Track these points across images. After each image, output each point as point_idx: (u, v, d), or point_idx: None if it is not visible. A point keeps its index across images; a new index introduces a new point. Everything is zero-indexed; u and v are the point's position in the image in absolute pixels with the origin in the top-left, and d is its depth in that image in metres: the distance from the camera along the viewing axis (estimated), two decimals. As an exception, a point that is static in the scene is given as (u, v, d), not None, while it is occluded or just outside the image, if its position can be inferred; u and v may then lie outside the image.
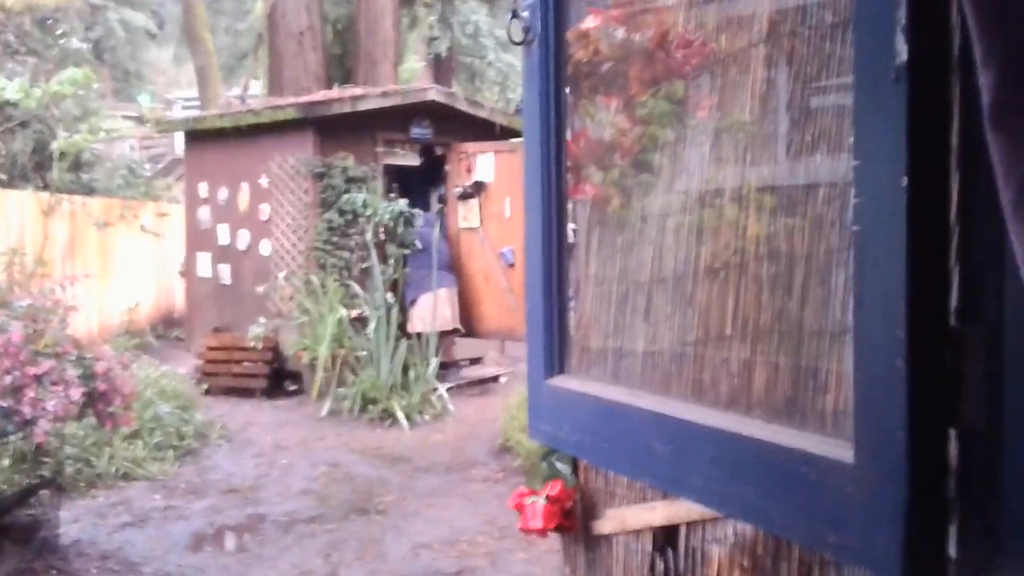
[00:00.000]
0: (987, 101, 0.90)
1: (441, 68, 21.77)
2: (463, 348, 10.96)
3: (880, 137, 1.17)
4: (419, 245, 10.26)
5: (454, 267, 10.79)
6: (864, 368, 1.23)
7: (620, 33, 2.63)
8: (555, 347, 2.04)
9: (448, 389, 9.50)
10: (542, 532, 2.81)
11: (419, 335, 9.82)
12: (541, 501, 2.78)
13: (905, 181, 1.13)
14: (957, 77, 1.15)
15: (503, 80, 23.25)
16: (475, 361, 11.33)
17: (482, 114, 11.12)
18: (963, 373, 1.17)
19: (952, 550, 1.20)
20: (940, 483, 1.19)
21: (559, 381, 2.03)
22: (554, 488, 2.79)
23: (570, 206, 2.72)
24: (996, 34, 0.89)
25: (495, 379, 10.84)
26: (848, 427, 1.28)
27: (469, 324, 10.80)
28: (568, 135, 2.31)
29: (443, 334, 10.20)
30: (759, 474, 1.40)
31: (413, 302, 10.22)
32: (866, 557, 1.22)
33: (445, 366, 10.18)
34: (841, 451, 1.27)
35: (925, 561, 1.17)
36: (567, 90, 2.22)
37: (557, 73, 2.03)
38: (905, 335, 1.14)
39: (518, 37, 2.02)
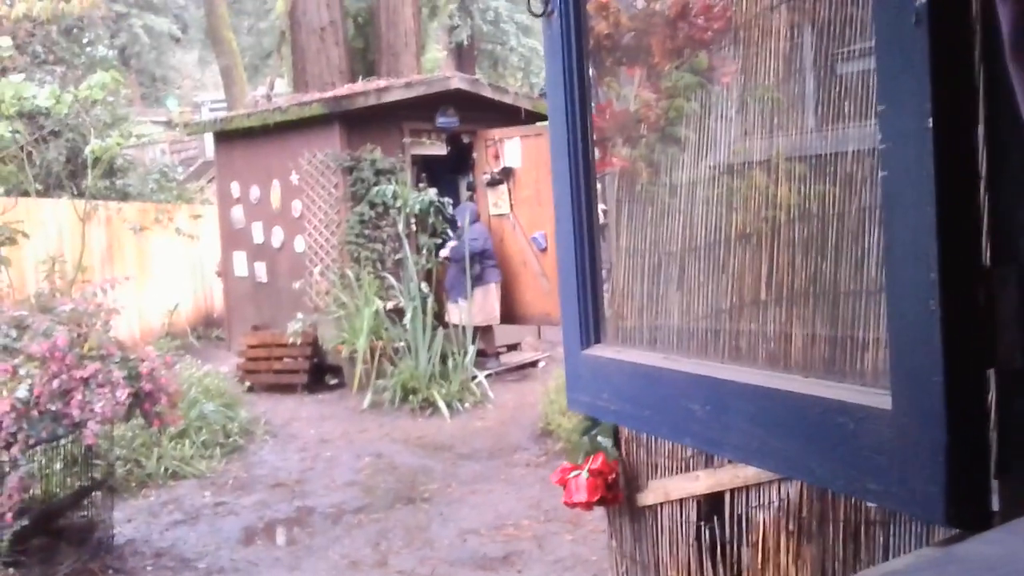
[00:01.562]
0: (1007, 33, 0.90)
1: (463, 56, 21.79)
2: (500, 335, 10.98)
3: (904, 80, 1.17)
4: (466, 242, 10.09)
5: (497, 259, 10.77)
6: (898, 313, 1.23)
7: (640, 2, 2.63)
8: (590, 317, 2.05)
9: (487, 376, 9.53)
10: (587, 505, 2.84)
11: (456, 324, 9.85)
12: (584, 474, 2.80)
13: (930, 123, 1.13)
14: (978, 15, 1.14)
15: (526, 65, 23.24)
16: (512, 347, 11.35)
17: (507, 99, 11.10)
18: (997, 312, 1.17)
19: (995, 492, 1.20)
20: (979, 423, 1.18)
21: (595, 350, 2.04)
22: (596, 461, 2.81)
23: (598, 184, 2.73)
24: (1013, -34, 0.88)
25: (533, 364, 10.86)
26: (885, 375, 1.28)
27: (505, 310, 10.82)
28: (593, 108, 2.32)
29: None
30: (798, 427, 1.41)
31: (460, 299, 10.15)
32: (908, 502, 1.23)
33: (483, 353, 10.21)
34: (879, 399, 1.27)
35: (967, 503, 1.17)
36: (590, 62, 2.22)
37: (579, 44, 2.04)
38: (937, 277, 1.14)
39: (538, 9, 2.03)
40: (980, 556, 0.98)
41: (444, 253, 10.25)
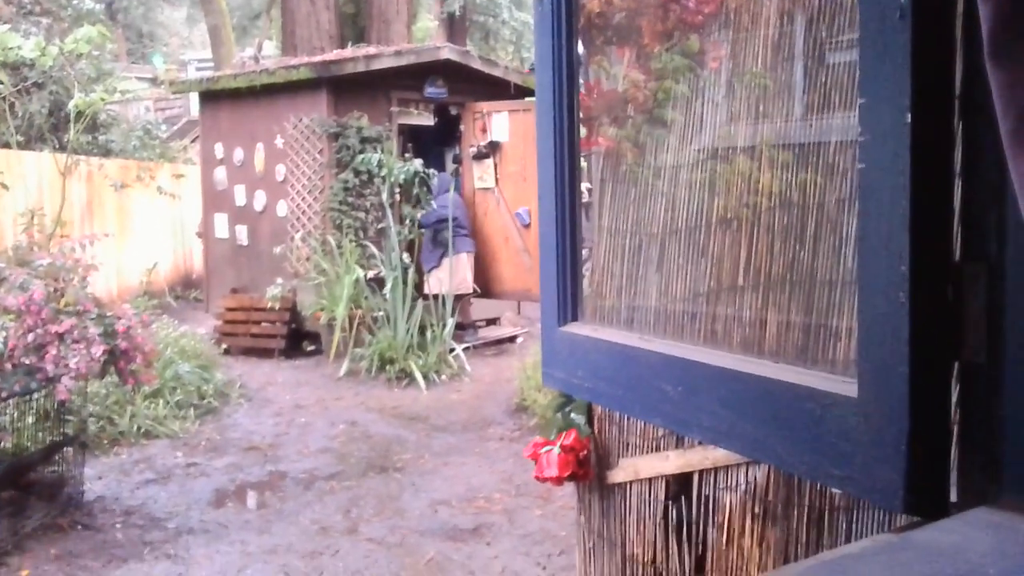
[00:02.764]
0: (986, 32, 0.92)
1: (455, 27, 21.65)
2: (479, 309, 11.00)
3: (885, 75, 1.18)
4: (436, 209, 10.20)
5: (471, 230, 10.79)
6: (868, 303, 1.25)
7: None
8: (568, 294, 2.07)
9: (465, 349, 9.55)
10: (557, 480, 2.86)
11: (435, 296, 9.86)
12: (556, 450, 2.83)
13: (909, 118, 1.15)
14: (961, 14, 1.16)
15: (517, 39, 23.12)
16: (491, 322, 11.37)
17: (496, 73, 11.05)
18: (965, 307, 1.20)
19: (953, 481, 1.23)
20: (942, 415, 1.21)
21: (572, 328, 2.06)
22: (568, 437, 2.83)
23: (584, 163, 2.74)
24: (995, -33, 0.90)
25: (511, 339, 10.89)
26: (853, 363, 1.30)
27: (485, 285, 10.83)
28: (581, 87, 2.33)
29: (459, 295, 10.25)
30: (766, 411, 1.43)
31: (432, 269, 10.23)
32: (869, 489, 1.25)
33: (462, 326, 10.23)
34: (845, 386, 1.29)
35: (926, 491, 1.20)
36: (579, 41, 2.23)
37: (569, 23, 2.04)
38: (908, 270, 1.16)
39: (530, -13, 2.03)
40: (934, 543, 1.01)
41: (417, 216, 10.30)
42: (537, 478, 2.93)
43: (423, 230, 10.31)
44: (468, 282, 10.41)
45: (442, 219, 10.08)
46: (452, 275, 10.04)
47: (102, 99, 8.25)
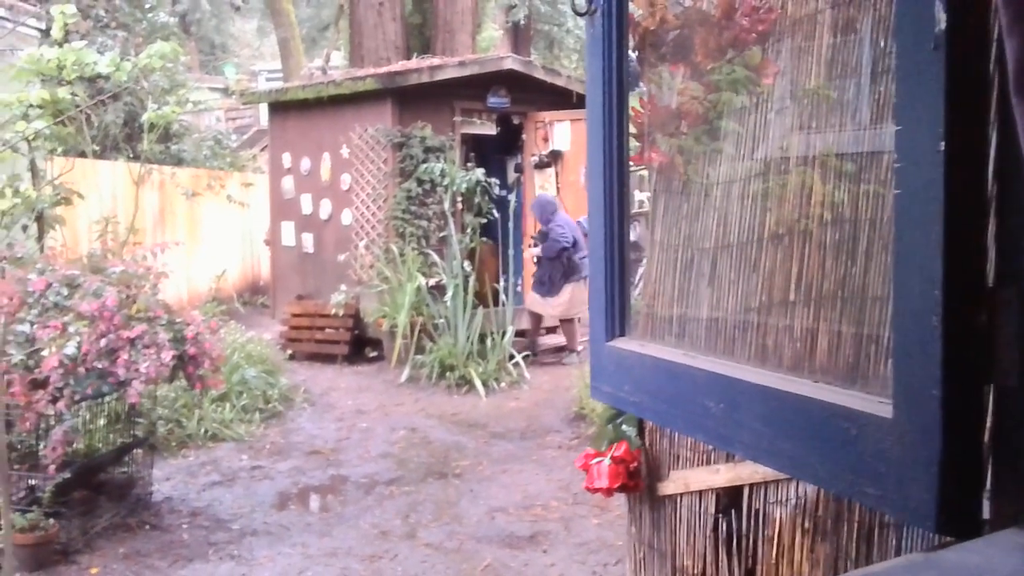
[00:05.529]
0: (1012, 68, 0.94)
1: (519, 36, 21.76)
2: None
3: (920, 103, 1.20)
4: (556, 239, 9.77)
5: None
6: (902, 326, 1.27)
7: (687, 1, 2.66)
8: (616, 311, 2.11)
9: (524, 357, 9.60)
10: (607, 491, 2.89)
11: (496, 303, 9.89)
12: (606, 461, 2.85)
13: (943, 146, 1.17)
14: (995, 45, 1.18)
15: (581, 47, 23.12)
16: (551, 330, 11.38)
17: (559, 82, 11.10)
18: (998, 331, 1.21)
19: (986, 503, 1.24)
20: (974, 437, 1.23)
21: (620, 343, 2.09)
22: (619, 449, 2.86)
23: (644, 173, 2.77)
24: (1021, 3, 0.92)
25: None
26: (888, 385, 1.32)
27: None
28: (636, 103, 2.36)
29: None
30: (804, 429, 1.45)
31: (548, 296, 10.02)
32: (903, 508, 1.27)
33: (522, 335, 10.28)
34: (881, 407, 1.31)
35: (959, 512, 1.21)
36: (631, 59, 2.26)
37: (620, 43, 2.08)
38: (941, 294, 1.18)
39: (582, 8, 2.07)
40: (960, 564, 1.03)
41: (536, 252, 9.99)
42: (588, 489, 2.96)
43: (542, 260, 10.00)
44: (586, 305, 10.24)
45: (565, 248, 9.79)
46: (575, 300, 9.82)
47: (174, 111, 8.47)
